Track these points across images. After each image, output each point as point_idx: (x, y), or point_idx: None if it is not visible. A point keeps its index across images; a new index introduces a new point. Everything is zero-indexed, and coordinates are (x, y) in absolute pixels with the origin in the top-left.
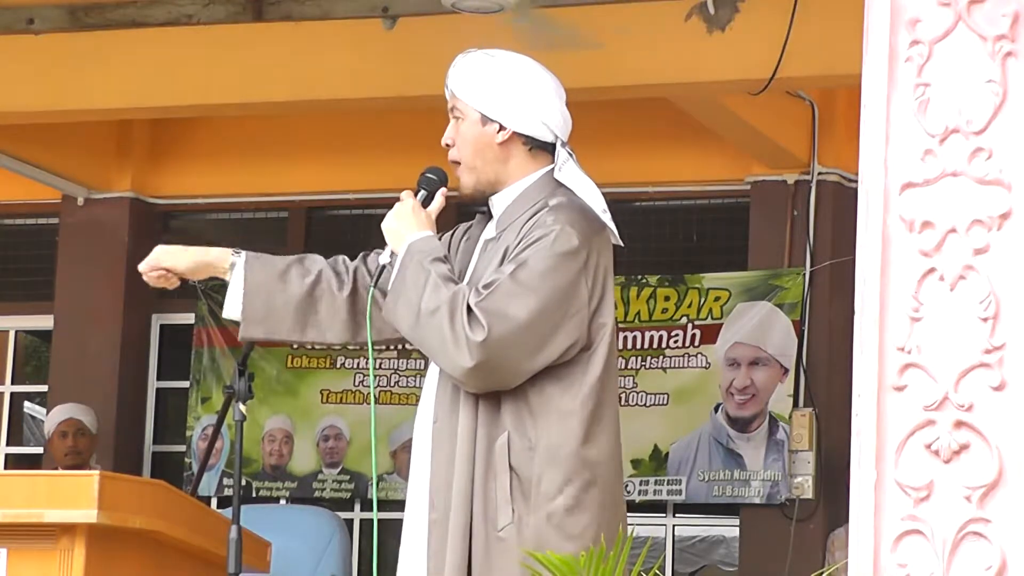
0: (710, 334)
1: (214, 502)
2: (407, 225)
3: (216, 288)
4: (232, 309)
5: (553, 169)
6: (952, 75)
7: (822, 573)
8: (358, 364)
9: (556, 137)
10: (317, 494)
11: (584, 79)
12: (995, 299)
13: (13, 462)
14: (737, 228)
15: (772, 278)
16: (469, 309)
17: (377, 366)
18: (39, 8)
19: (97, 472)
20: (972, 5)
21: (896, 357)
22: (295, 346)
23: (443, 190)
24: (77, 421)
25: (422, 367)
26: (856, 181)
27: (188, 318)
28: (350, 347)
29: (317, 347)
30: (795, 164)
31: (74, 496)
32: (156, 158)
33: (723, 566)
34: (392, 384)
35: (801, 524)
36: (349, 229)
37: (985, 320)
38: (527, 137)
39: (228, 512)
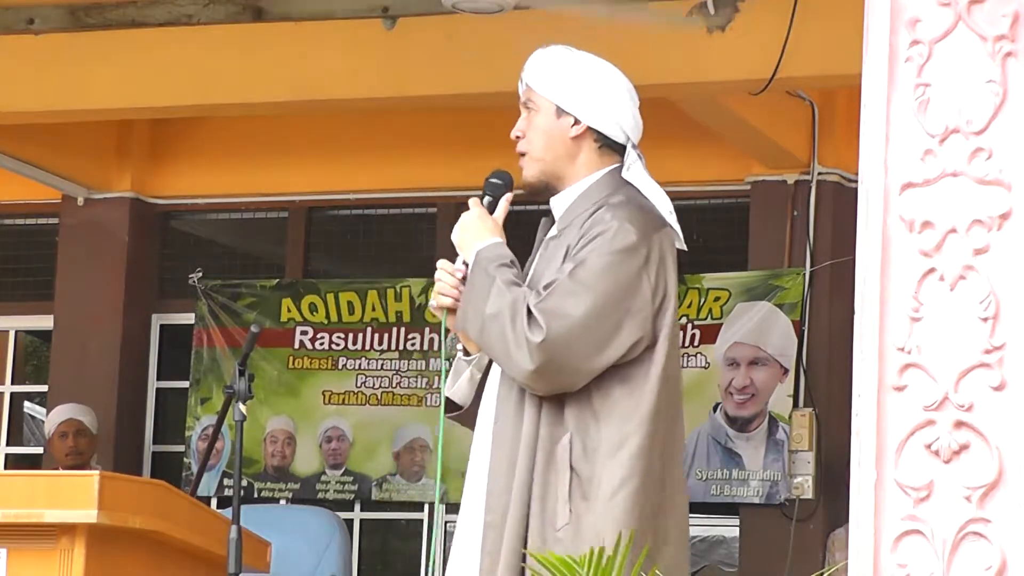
0: (710, 334)
1: (214, 502)
2: (475, 234)
3: (216, 288)
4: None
5: (618, 168)
6: (952, 75)
7: (822, 573)
8: (359, 365)
9: (628, 139)
10: (320, 495)
11: None
12: (995, 299)
13: (13, 462)
14: (737, 228)
15: (772, 278)
16: (529, 311)
17: (379, 367)
18: (39, 8)
19: (97, 472)
20: (972, 5)
21: (896, 357)
22: (296, 347)
23: (508, 195)
24: (77, 421)
25: (423, 368)
26: (856, 181)
27: (188, 318)
28: (351, 348)
29: (318, 348)
30: (795, 164)
31: (74, 496)
32: (156, 158)
33: (723, 566)
34: (394, 385)
35: (801, 524)
36: (349, 229)
37: (985, 320)
38: (599, 134)
39: (228, 512)
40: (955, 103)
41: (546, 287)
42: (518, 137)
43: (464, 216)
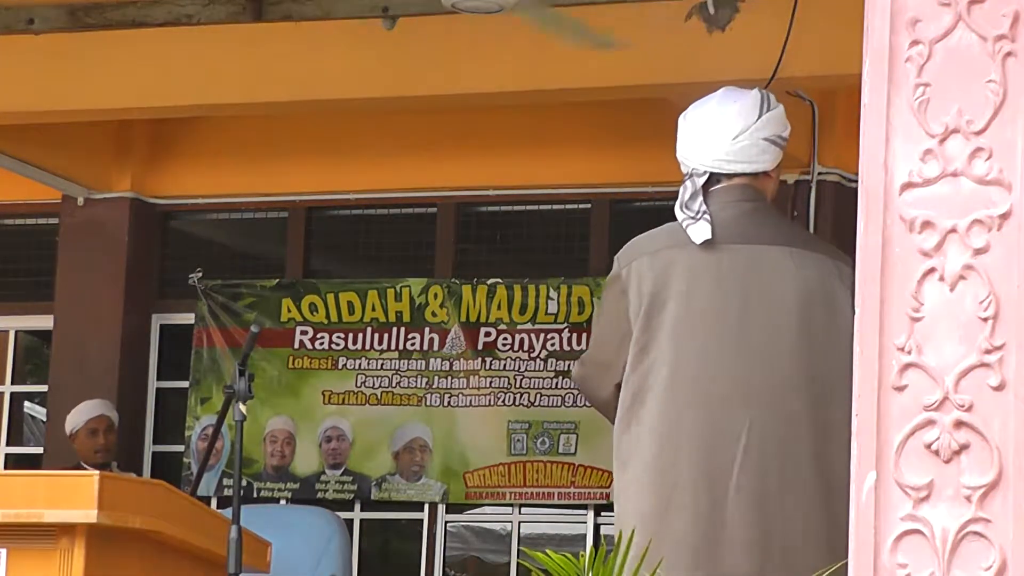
0: None
1: (214, 502)
2: None
3: (216, 288)
4: None
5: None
6: (952, 75)
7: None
8: (359, 365)
9: (693, 171)
10: (320, 495)
11: (584, 79)
12: (995, 299)
13: (13, 462)
14: None
15: None
16: None
17: (379, 367)
18: (39, 8)
19: (97, 472)
20: (972, 5)
21: (896, 357)
22: (296, 347)
23: None
24: (107, 418)
25: (423, 368)
26: (856, 181)
27: (188, 318)
28: (351, 348)
29: (318, 348)
30: (795, 164)
31: (74, 496)
32: (156, 158)
33: None
34: (394, 385)
35: None
36: (349, 229)
37: (985, 320)
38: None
39: (228, 512)
40: (955, 103)
41: None
42: None
43: None
